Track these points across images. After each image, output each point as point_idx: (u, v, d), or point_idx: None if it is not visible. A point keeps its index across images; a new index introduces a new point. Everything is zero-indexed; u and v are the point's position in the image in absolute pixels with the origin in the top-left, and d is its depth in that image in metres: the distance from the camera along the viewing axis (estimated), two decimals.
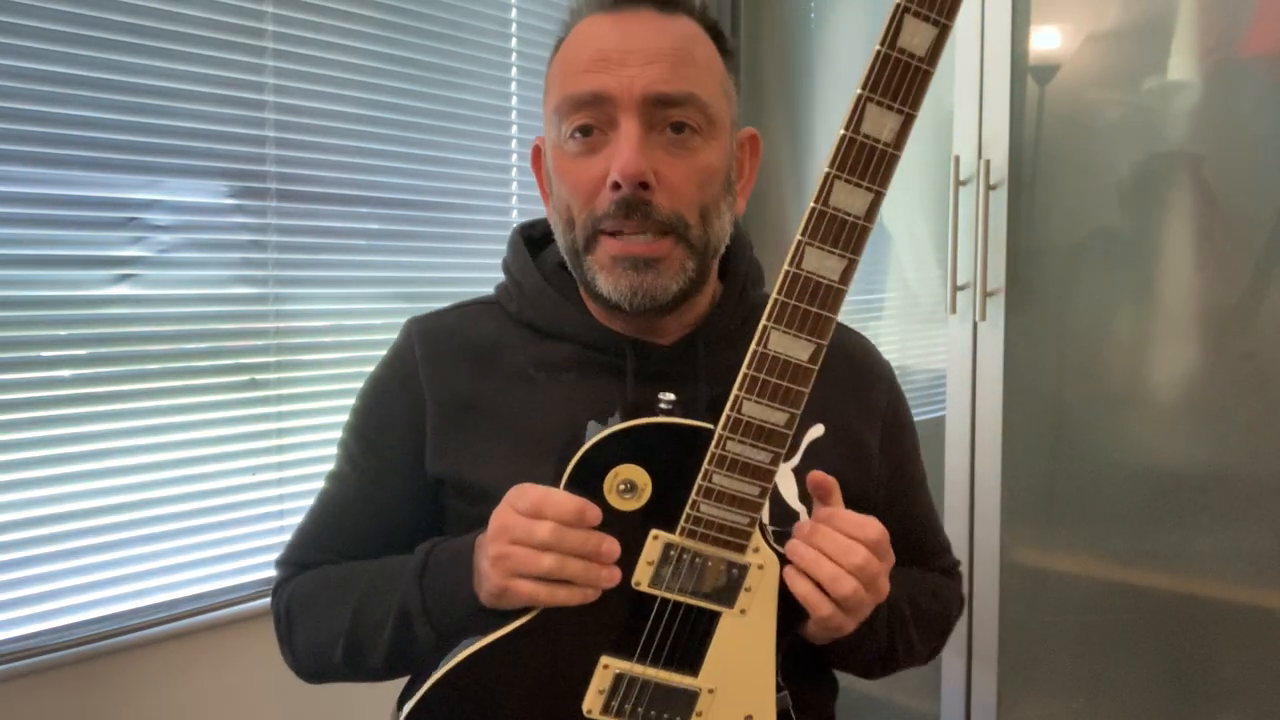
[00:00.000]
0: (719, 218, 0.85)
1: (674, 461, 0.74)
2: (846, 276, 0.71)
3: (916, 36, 0.66)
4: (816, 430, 0.92)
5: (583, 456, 0.73)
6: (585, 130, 0.81)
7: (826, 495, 0.78)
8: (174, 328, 1.40)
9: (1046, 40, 1.62)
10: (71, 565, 1.32)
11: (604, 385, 0.87)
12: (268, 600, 1.50)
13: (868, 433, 0.94)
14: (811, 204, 0.68)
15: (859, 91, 0.67)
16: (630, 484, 0.74)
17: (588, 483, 0.74)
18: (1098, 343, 1.60)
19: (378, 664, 0.84)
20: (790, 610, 0.77)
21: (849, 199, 0.68)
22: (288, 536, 1.58)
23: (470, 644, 0.77)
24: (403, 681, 0.92)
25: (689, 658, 0.77)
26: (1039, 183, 1.64)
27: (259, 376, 1.49)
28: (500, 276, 0.97)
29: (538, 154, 0.93)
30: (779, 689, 0.79)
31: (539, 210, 1.56)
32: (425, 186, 1.70)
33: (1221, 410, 1.49)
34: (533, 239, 0.97)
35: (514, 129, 1.85)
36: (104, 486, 1.34)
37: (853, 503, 0.89)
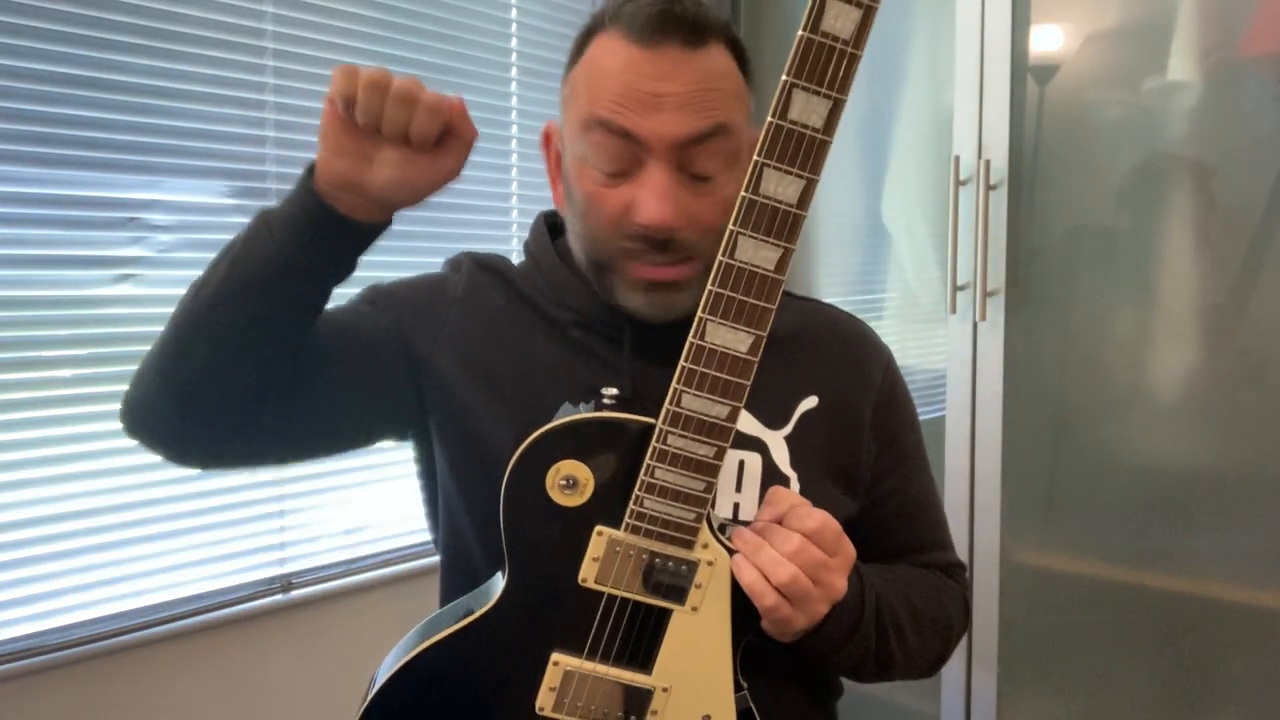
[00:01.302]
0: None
1: (617, 457, 0.74)
2: (782, 266, 0.70)
3: (840, 19, 0.65)
4: (810, 401, 0.92)
5: (522, 454, 0.74)
6: (612, 158, 0.82)
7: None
8: None
9: (1046, 40, 1.62)
10: (71, 565, 1.32)
11: (598, 354, 0.89)
12: (268, 600, 1.52)
13: (861, 406, 0.94)
14: (742, 193, 0.68)
15: (784, 78, 0.66)
16: (571, 480, 0.74)
17: (529, 479, 0.74)
18: (1098, 342, 1.60)
19: (207, 296, 0.80)
20: (747, 608, 0.76)
21: (780, 187, 0.68)
22: (288, 536, 1.59)
23: (422, 640, 0.77)
24: None
25: (641, 655, 0.77)
26: (1039, 183, 1.64)
27: None
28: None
29: (548, 138, 0.93)
30: (738, 688, 0.78)
31: (538, 209, 1.58)
32: None
33: (1221, 410, 1.49)
34: (555, 225, 0.98)
35: (514, 129, 1.85)
36: (104, 486, 1.34)
37: (840, 476, 0.92)
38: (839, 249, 1.99)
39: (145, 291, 1.37)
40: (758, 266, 0.70)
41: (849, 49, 0.66)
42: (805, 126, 0.67)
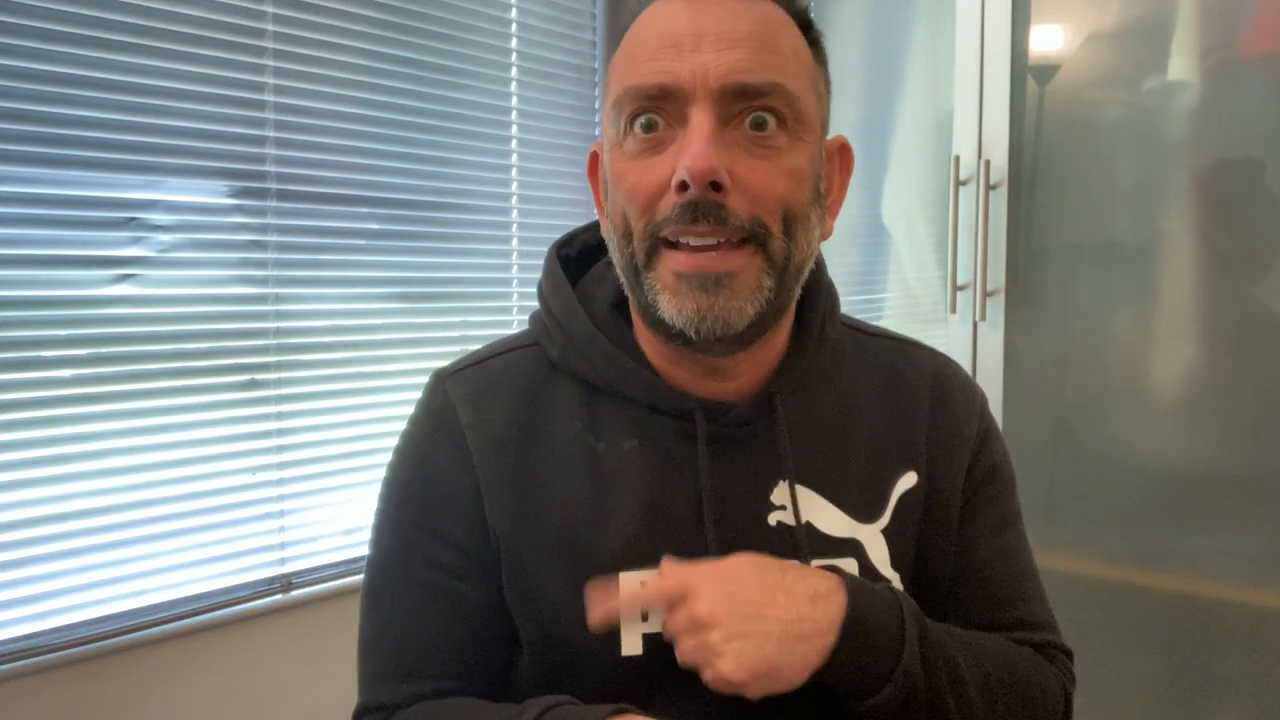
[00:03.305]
0: (805, 231, 0.69)
1: None
2: None
3: None
4: (909, 479, 0.77)
5: None
6: (649, 125, 0.67)
7: None
8: (174, 328, 1.40)
9: (1046, 40, 1.62)
10: (71, 565, 1.32)
11: (672, 452, 0.73)
12: (268, 600, 1.52)
13: (956, 469, 0.78)
14: None
15: None
16: None
17: None
18: (1098, 343, 1.60)
19: None
20: None
21: None
22: (288, 536, 1.59)
23: None
24: None
25: None
26: (1039, 183, 1.64)
27: (259, 376, 1.49)
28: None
29: (594, 161, 0.77)
30: None
31: (539, 210, 1.55)
32: (425, 186, 1.70)
33: (1221, 410, 1.49)
34: (569, 259, 0.81)
35: (514, 129, 1.85)
36: (104, 486, 1.34)
37: (928, 563, 0.77)
38: (839, 249, 1.99)
39: (145, 291, 1.37)
40: None
41: None
42: None
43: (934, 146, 1.78)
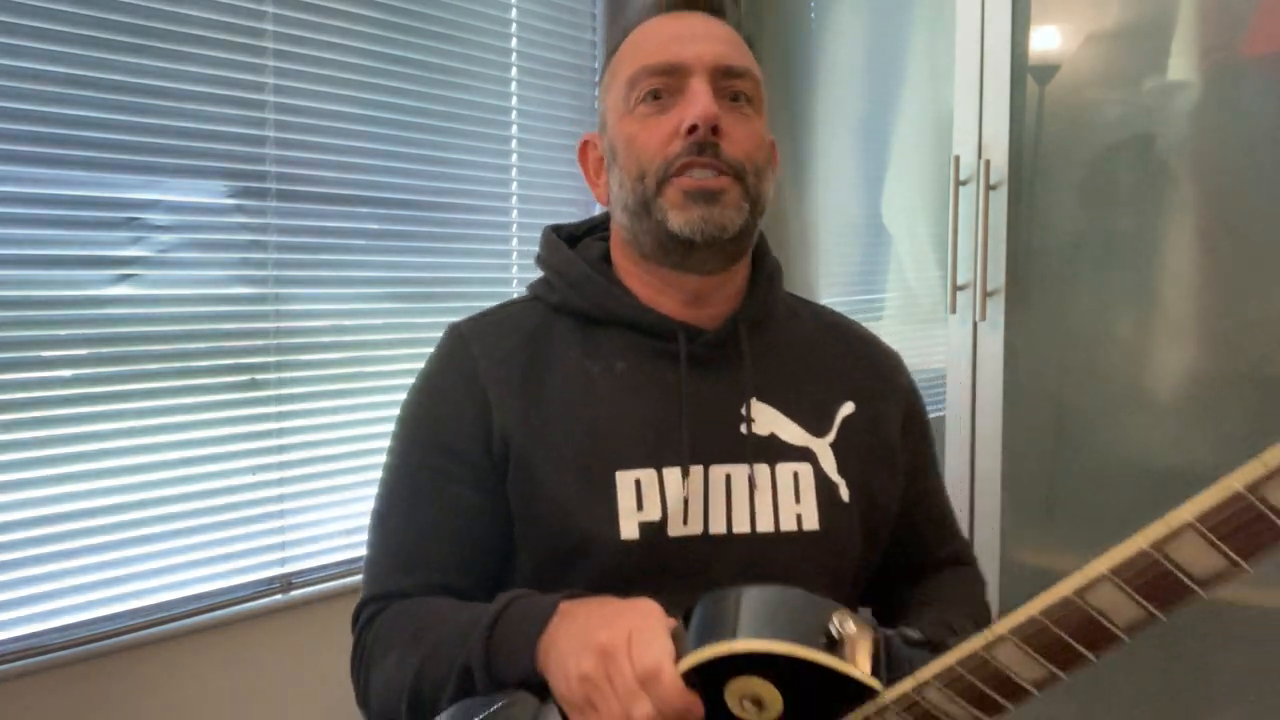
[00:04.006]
0: (763, 181, 0.91)
1: (815, 698, 0.64)
2: (1136, 629, 0.59)
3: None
4: (848, 407, 0.94)
5: (733, 655, 0.63)
6: (656, 94, 0.88)
7: None
8: (174, 328, 1.40)
9: (1046, 40, 1.62)
10: (71, 565, 1.32)
11: (656, 372, 0.89)
12: (268, 600, 1.52)
13: (893, 411, 0.97)
14: (1142, 545, 0.57)
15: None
16: (759, 701, 0.65)
17: (715, 676, 0.64)
18: (1098, 343, 1.60)
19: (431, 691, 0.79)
20: None
21: (1194, 556, 0.56)
22: (288, 536, 1.59)
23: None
24: None
25: None
26: (1039, 183, 1.64)
27: (259, 376, 1.49)
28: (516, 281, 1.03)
29: (585, 149, 0.98)
30: None
31: (538, 210, 1.62)
32: (425, 186, 1.70)
33: (1221, 410, 1.49)
34: (564, 237, 1.00)
35: (514, 129, 1.85)
36: (104, 486, 1.34)
37: (881, 478, 0.94)
38: (839, 249, 1.99)
39: (145, 292, 1.37)
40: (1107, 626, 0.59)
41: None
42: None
43: (934, 146, 1.78)
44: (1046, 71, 1.63)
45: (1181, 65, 1.51)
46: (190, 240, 1.41)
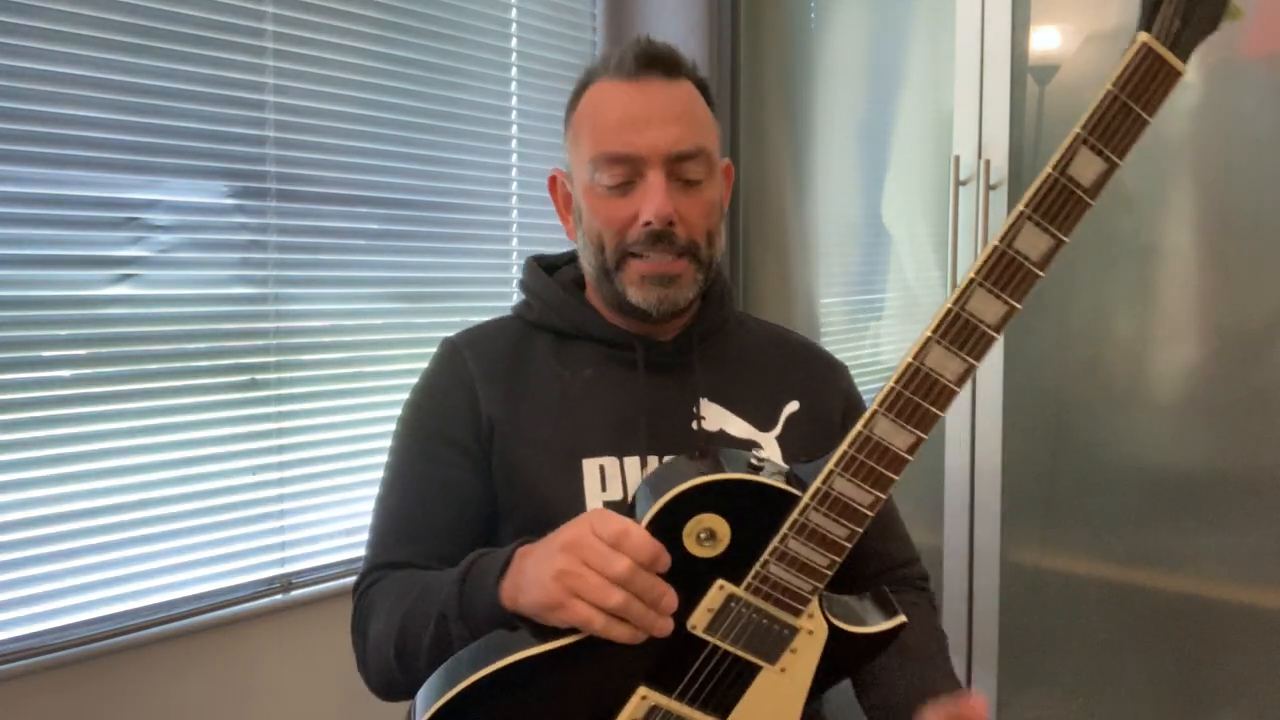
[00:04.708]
0: (718, 239, 1.03)
1: (755, 519, 0.76)
2: (963, 379, 0.74)
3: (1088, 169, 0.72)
4: (793, 405, 1.06)
5: (674, 497, 0.75)
6: (618, 180, 0.98)
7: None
8: (174, 328, 1.40)
9: (1046, 40, 1.62)
10: (71, 565, 1.32)
11: (618, 377, 1.02)
12: (268, 600, 1.52)
13: (834, 410, 1.08)
14: (950, 305, 0.71)
15: (1024, 210, 0.73)
16: (711, 533, 0.76)
17: (671, 524, 0.76)
18: (1098, 342, 1.60)
19: (422, 666, 0.86)
20: (823, 675, 0.81)
21: (984, 306, 0.72)
22: (288, 536, 1.59)
23: (506, 653, 0.77)
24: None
25: (722, 703, 0.80)
26: None
27: (259, 376, 1.49)
28: (493, 296, 1.13)
29: (554, 183, 1.08)
30: None
31: (538, 210, 1.67)
32: (425, 186, 1.70)
33: (1221, 410, 1.49)
34: (544, 265, 1.12)
35: (514, 129, 1.85)
36: (104, 486, 1.34)
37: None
38: (839, 249, 1.99)
39: (145, 292, 1.37)
40: (941, 375, 0.73)
41: (1147, 118, 0.69)
42: (1021, 254, 0.74)
43: (934, 146, 1.78)
44: (1046, 71, 1.63)
45: None
46: (190, 240, 1.41)
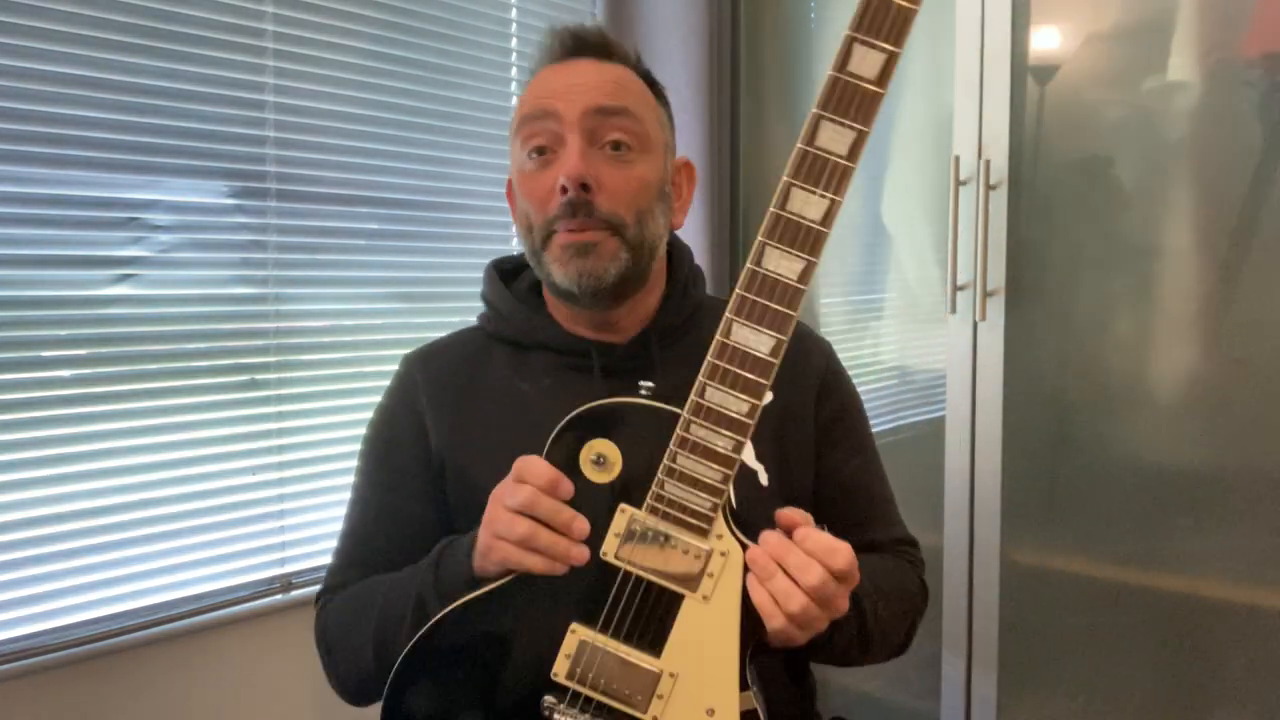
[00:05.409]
0: (653, 221, 0.97)
1: (645, 442, 0.80)
2: (805, 277, 0.75)
3: (865, 61, 0.72)
4: (766, 397, 1.04)
5: (561, 429, 0.81)
6: (540, 150, 0.94)
7: (794, 529, 0.81)
8: (174, 328, 1.40)
9: (1046, 40, 1.62)
10: (71, 565, 1.32)
11: (576, 385, 0.99)
12: (268, 600, 1.52)
13: (807, 395, 1.04)
14: (772, 209, 0.74)
15: (817, 111, 0.73)
16: (602, 457, 0.81)
17: (565, 455, 0.81)
18: (1098, 342, 1.60)
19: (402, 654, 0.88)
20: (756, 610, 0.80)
21: (805, 205, 0.74)
22: (288, 536, 1.59)
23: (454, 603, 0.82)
24: None
25: (652, 637, 0.80)
26: (1039, 183, 1.64)
27: (259, 376, 1.49)
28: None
29: (509, 190, 1.06)
30: (744, 686, 0.81)
31: None
32: (425, 186, 1.70)
33: (1221, 410, 1.49)
34: (504, 270, 1.10)
35: None
36: (104, 486, 1.34)
37: (791, 468, 1.00)
38: (839, 249, 1.99)
39: (145, 292, 1.37)
40: (781, 275, 0.75)
41: (875, 87, 0.73)
42: (829, 153, 0.74)
43: (934, 146, 1.78)
44: (1046, 71, 1.63)
45: (1181, 65, 1.52)
46: (190, 240, 1.41)
